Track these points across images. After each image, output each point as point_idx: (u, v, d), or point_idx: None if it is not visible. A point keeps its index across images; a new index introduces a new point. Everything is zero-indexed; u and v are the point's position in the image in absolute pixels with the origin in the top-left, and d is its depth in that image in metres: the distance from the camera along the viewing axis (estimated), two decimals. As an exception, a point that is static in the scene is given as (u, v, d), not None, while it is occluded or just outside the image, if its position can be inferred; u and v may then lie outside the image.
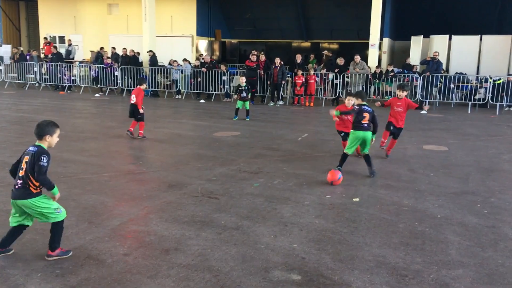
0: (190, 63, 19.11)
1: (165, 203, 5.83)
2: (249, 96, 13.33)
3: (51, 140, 4.18)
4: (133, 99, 9.86)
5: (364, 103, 7.37)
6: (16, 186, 4.09)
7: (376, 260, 4.30)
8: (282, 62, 16.35)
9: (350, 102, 7.89)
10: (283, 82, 16.45)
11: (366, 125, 7.15)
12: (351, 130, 7.29)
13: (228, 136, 10.46)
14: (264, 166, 7.74)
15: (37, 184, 4.07)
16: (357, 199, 6.08)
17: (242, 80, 13.05)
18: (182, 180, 6.84)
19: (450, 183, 6.90)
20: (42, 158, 4.00)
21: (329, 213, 5.56)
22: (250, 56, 16.92)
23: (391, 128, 8.40)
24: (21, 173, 4.06)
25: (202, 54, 22.25)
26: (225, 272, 4.01)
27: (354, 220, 5.35)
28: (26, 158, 4.06)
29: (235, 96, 14.01)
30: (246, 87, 12.88)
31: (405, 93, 8.37)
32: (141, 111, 9.77)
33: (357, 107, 7.29)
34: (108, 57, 19.18)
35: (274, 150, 8.94)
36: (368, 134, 7.17)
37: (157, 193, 6.25)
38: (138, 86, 10.09)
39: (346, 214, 5.53)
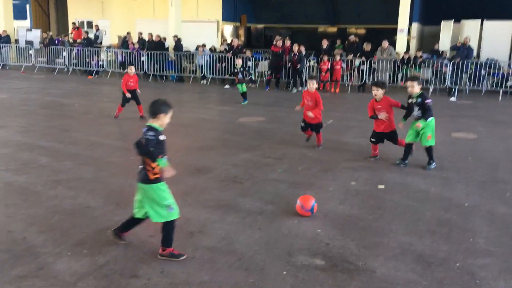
0: (210, 50, 19.18)
1: (190, 187, 5.89)
2: (246, 78, 13.27)
3: (164, 119, 4.02)
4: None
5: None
6: (140, 167, 3.97)
7: (402, 247, 4.26)
8: (301, 49, 16.15)
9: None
10: (302, 68, 16.23)
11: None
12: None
13: (253, 121, 10.45)
14: (288, 152, 7.72)
15: (154, 165, 3.89)
16: (383, 186, 6.01)
17: (238, 63, 13.02)
18: (207, 165, 6.88)
19: (479, 171, 6.75)
20: (148, 132, 3.85)
21: (354, 199, 5.53)
22: (275, 42, 16.80)
23: (375, 139, 7.26)
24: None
25: (226, 40, 22.21)
26: (249, 256, 4.04)
27: (379, 207, 5.30)
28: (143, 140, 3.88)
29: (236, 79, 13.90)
30: (241, 69, 12.88)
31: (381, 91, 6.99)
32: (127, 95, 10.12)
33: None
34: (133, 43, 19.32)
35: (298, 136, 8.89)
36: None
37: (182, 177, 6.28)
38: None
39: (371, 201, 5.49)
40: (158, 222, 3.98)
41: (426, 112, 6.71)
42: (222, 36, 24.91)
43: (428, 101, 6.76)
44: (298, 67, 15.93)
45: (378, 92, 7.00)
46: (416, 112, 6.83)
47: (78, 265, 3.80)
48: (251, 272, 3.76)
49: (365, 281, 3.66)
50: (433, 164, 6.87)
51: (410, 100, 6.93)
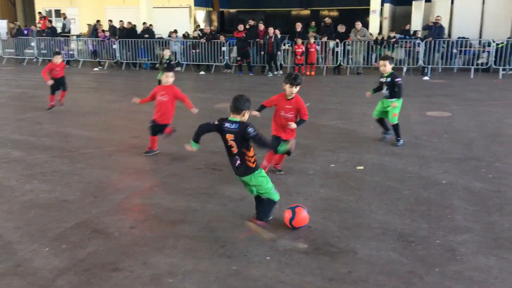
0: (184, 36, 18.93)
1: (169, 176, 5.82)
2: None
3: (246, 116, 4.10)
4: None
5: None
6: (237, 164, 4.10)
7: (382, 227, 4.30)
8: (276, 32, 16.08)
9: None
10: (278, 52, 16.21)
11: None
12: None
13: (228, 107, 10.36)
14: (267, 136, 7.65)
15: (252, 154, 4.05)
16: (361, 167, 6.06)
17: (167, 53, 12.66)
18: (185, 153, 6.75)
19: (454, 149, 6.86)
20: (250, 129, 3.94)
21: (334, 181, 5.55)
22: (238, 27, 16.60)
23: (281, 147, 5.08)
24: (234, 150, 4.05)
25: (199, 26, 21.93)
26: (231, 242, 4.02)
27: (359, 188, 5.34)
28: (231, 136, 4.02)
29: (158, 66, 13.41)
30: (169, 60, 12.60)
31: (297, 88, 5.54)
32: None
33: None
34: (103, 30, 18.88)
35: (277, 120, 8.87)
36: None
37: (160, 166, 6.25)
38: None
39: (351, 183, 5.52)
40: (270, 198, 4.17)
41: (394, 92, 6.98)
42: (195, 21, 24.57)
43: (398, 79, 6.97)
44: (274, 51, 15.85)
45: (294, 90, 5.63)
46: (385, 91, 7.11)
47: (57, 261, 3.72)
48: (234, 259, 3.74)
49: (347, 262, 3.69)
50: (401, 141, 7.10)
51: (381, 79, 7.16)
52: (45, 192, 5.24)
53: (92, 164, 6.31)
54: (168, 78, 6.65)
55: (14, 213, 4.67)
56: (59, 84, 9.93)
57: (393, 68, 7.15)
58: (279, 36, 16.18)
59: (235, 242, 4.04)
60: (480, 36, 17.90)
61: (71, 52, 19.32)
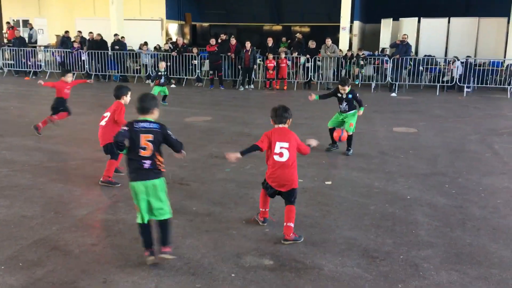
0: (155, 48, 18.88)
1: (134, 191, 5.70)
2: (167, 82, 13.03)
3: (156, 114, 3.95)
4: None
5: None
6: (145, 166, 3.78)
7: (347, 242, 4.31)
8: (253, 47, 16.21)
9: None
10: (255, 66, 16.34)
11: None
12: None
13: (199, 121, 10.33)
14: (236, 151, 7.63)
15: (162, 160, 3.87)
16: (329, 182, 6.09)
17: (162, 66, 12.73)
18: (152, 167, 6.70)
19: (419, 165, 6.98)
20: (169, 131, 3.87)
21: (302, 197, 5.51)
22: (210, 41, 16.64)
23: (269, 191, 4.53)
24: (146, 153, 3.76)
25: (170, 38, 21.86)
26: (196, 259, 3.95)
27: (326, 203, 5.36)
28: (148, 137, 3.76)
29: (152, 84, 13.51)
30: (165, 73, 12.67)
31: (286, 124, 4.65)
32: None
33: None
34: (78, 42, 18.58)
35: (246, 135, 8.87)
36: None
37: (126, 180, 6.06)
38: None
39: (318, 198, 5.54)
40: (167, 218, 3.89)
41: (353, 107, 7.58)
42: (167, 34, 24.49)
43: (357, 95, 7.59)
44: (250, 65, 15.94)
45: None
46: (344, 106, 7.59)
47: (12, 279, 3.57)
48: (198, 277, 3.67)
49: (312, 279, 3.67)
50: (351, 150, 7.54)
51: (338, 95, 7.61)
52: (4, 207, 5.06)
53: (55, 178, 6.13)
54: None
55: (-30, 229, 4.48)
56: (62, 105, 8.59)
57: (357, 85, 7.55)
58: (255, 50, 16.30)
59: (200, 258, 3.97)
60: (446, 54, 18.44)
61: (38, 63, 18.91)
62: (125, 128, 3.84)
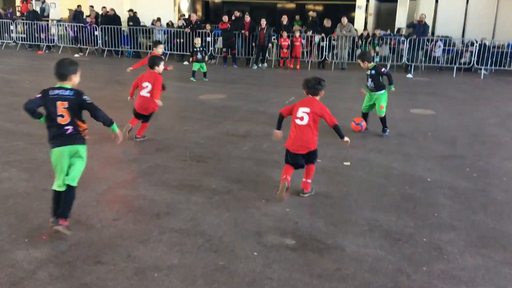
0: (167, 25, 18.75)
1: (152, 167, 5.70)
2: (206, 58, 13.37)
3: (76, 80, 3.87)
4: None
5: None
6: (67, 132, 3.75)
7: (369, 223, 4.28)
8: (268, 24, 15.99)
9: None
10: (269, 44, 16.15)
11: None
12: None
13: (214, 98, 10.26)
14: (252, 129, 7.62)
15: (85, 127, 3.86)
16: (348, 163, 6.04)
17: (198, 42, 12.90)
18: (168, 143, 6.69)
19: (438, 147, 6.90)
20: (85, 97, 3.78)
21: (321, 177, 5.51)
22: (223, 18, 16.41)
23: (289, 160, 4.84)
24: (64, 120, 3.72)
25: (183, 15, 21.62)
26: (218, 237, 3.94)
27: (345, 183, 5.32)
28: (64, 104, 3.69)
29: (191, 59, 13.84)
30: (201, 49, 12.76)
31: (318, 96, 4.78)
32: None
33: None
34: (88, 16, 18.45)
35: (261, 113, 8.81)
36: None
37: (143, 156, 6.11)
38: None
39: (337, 178, 5.50)
40: (70, 185, 3.81)
41: (380, 84, 7.23)
42: (179, 10, 24.22)
43: (383, 70, 7.24)
44: (265, 43, 15.75)
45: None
46: (370, 84, 7.30)
47: (37, 252, 3.59)
48: (221, 254, 3.67)
49: (335, 259, 3.65)
50: (387, 131, 7.39)
51: (367, 72, 7.33)
52: (24, 180, 5.08)
53: (73, 153, 6.13)
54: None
55: (-8, 201, 4.50)
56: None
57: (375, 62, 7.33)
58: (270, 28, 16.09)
59: (221, 236, 3.96)
60: (463, 35, 18.09)
61: (51, 37, 18.84)
62: (38, 95, 3.76)
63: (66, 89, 3.77)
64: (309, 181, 4.87)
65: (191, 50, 14.32)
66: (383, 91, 7.27)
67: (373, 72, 7.17)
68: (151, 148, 6.45)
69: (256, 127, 7.72)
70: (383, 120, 7.33)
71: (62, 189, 3.82)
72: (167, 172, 5.52)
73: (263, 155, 6.28)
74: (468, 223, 4.35)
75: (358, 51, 16.24)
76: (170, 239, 3.86)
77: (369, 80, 7.24)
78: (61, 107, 3.71)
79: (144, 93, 6.55)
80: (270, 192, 4.94)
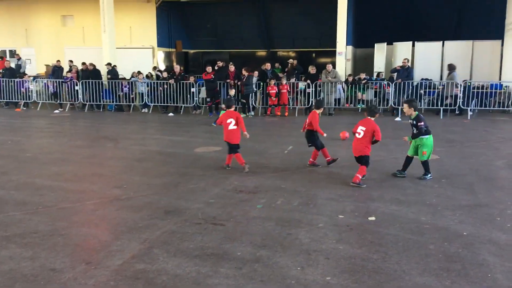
0: (147, 76, 18.68)
1: (167, 234, 5.21)
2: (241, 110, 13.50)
3: None
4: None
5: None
6: None
7: (423, 290, 3.89)
8: (253, 73, 15.93)
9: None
10: (249, 92, 15.98)
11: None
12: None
13: (210, 151, 9.89)
14: (260, 184, 7.24)
15: None
16: (373, 218, 5.69)
17: (232, 92, 13.27)
18: (177, 205, 6.23)
19: (458, 195, 6.64)
20: None
21: (350, 236, 5.13)
22: (206, 69, 16.30)
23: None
24: None
25: (156, 67, 21.55)
26: (264, 318, 3.48)
27: (379, 243, 4.94)
28: None
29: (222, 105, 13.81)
30: (235, 98, 13.01)
31: (373, 117, 7.32)
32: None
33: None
34: (68, 71, 18.09)
35: (265, 166, 8.46)
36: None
37: (154, 221, 5.62)
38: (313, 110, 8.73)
39: (368, 237, 5.12)
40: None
41: (422, 131, 7.43)
42: (158, 62, 24.18)
43: (420, 124, 7.39)
44: (246, 92, 15.62)
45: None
46: (415, 131, 7.53)
47: None
48: None
49: (403, 338, 3.23)
50: (429, 175, 7.50)
51: (410, 121, 7.65)
52: (28, 259, 4.51)
53: (76, 221, 5.61)
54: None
55: (-6, 288, 3.94)
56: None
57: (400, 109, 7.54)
58: (254, 78, 15.98)
59: (267, 317, 3.49)
60: (441, 78, 18.44)
61: (29, 94, 18.29)
62: None
63: None
64: (359, 175, 7.03)
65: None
66: (427, 136, 7.45)
67: (414, 122, 7.46)
68: (159, 211, 5.97)
69: (265, 182, 7.35)
70: (424, 164, 7.49)
71: None
72: (185, 239, 5.04)
73: (282, 213, 5.87)
74: (528, 284, 4.02)
75: (344, 96, 16.33)
76: (213, 326, 3.38)
77: (413, 128, 7.55)
78: None
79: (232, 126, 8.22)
80: (303, 256, 4.53)
